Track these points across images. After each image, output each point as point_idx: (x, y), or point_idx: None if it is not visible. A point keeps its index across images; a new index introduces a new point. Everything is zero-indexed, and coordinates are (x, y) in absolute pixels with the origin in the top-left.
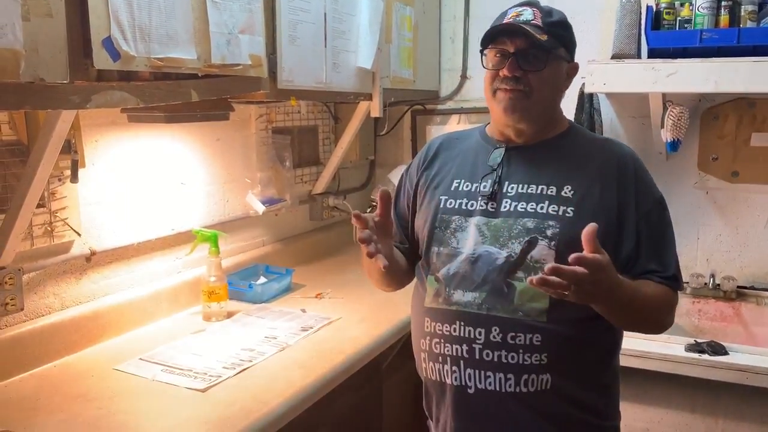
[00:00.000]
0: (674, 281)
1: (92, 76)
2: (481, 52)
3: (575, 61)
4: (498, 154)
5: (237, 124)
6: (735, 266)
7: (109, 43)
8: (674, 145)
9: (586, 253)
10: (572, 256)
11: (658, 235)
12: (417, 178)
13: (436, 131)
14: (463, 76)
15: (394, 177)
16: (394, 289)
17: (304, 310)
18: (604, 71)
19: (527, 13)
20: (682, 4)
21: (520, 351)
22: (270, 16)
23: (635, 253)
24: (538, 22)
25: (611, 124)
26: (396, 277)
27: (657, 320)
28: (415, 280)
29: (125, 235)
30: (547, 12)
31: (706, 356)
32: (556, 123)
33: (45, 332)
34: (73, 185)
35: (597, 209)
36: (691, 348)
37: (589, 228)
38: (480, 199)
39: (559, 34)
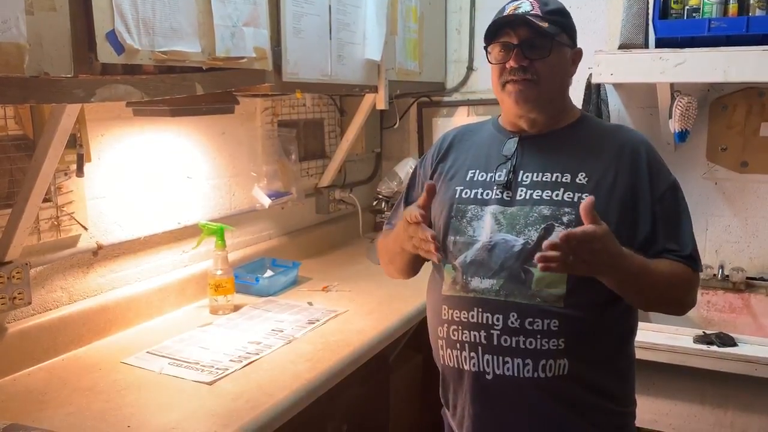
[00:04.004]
0: (692, 261)
1: (96, 69)
2: (485, 48)
3: (578, 47)
4: (512, 144)
5: (242, 118)
6: (744, 257)
7: (113, 37)
8: (682, 136)
9: (585, 225)
10: (560, 234)
11: (674, 217)
12: (431, 170)
13: (443, 123)
14: (470, 68)
15: (401, 170)
16: (408, 277)
17: (310, 303)
18: (611, 61)
19: (525, 5)
20: None
21: (538, 336)
22: (274, 8)
23: (652, 236)
24: (537, 11)
25: (619, 114)
26: (418, 262)
27: (675, 298)
28: (431, 269)
29: (132, 229)
30: (543, 2)
31: (714, 348)
32: (568, 112)
33: (53, 326)
34: (79, 179)
35: (611, 195)
36: (699, 339)
37: (586, 202)
38: (495, 188)
39: (558, 21)
